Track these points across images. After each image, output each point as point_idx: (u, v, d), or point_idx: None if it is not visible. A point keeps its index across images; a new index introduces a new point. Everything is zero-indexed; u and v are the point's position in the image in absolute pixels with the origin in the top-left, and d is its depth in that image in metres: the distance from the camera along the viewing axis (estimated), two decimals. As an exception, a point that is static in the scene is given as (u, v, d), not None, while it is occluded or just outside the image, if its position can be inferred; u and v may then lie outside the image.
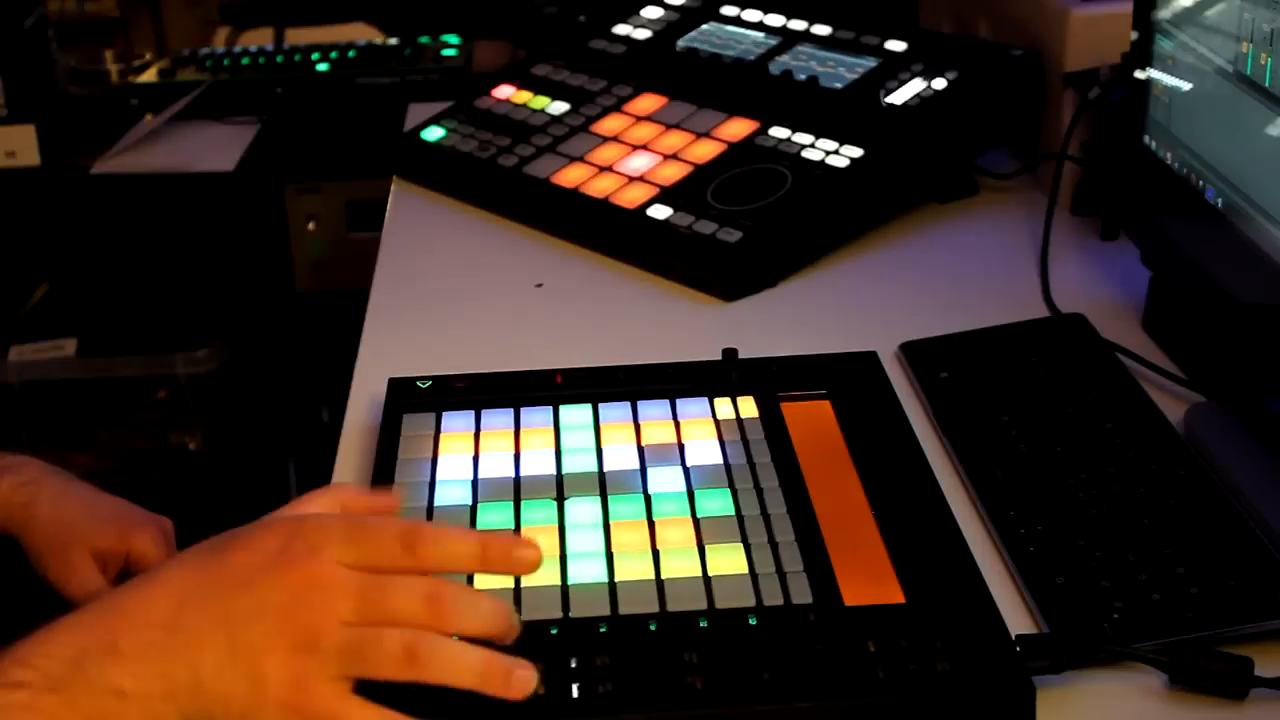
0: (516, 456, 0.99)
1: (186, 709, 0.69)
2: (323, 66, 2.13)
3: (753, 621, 0.81)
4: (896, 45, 1.50)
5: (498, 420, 1.03)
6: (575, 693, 0.77)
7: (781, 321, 1.26)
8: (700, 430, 1.01)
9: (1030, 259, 1.34)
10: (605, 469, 0.97)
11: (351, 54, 2.16)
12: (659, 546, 0.89)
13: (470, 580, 0.83)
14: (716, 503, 0.93)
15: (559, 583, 0.86)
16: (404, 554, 0.73)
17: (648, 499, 0.94)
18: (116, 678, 0.69)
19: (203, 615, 0.70)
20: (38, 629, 0.71)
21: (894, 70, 1.46)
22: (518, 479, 0.97)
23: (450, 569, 0.75)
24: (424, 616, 0.71)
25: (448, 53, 2.16)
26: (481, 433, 1.02)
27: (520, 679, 0.71)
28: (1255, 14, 0.96)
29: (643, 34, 1.67)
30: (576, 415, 1.03)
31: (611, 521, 0.91)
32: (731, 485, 0.95)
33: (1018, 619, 0.86)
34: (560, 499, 0.94)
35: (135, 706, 0.69)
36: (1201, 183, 1.07)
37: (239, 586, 0.71)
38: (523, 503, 0.94)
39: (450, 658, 0.70)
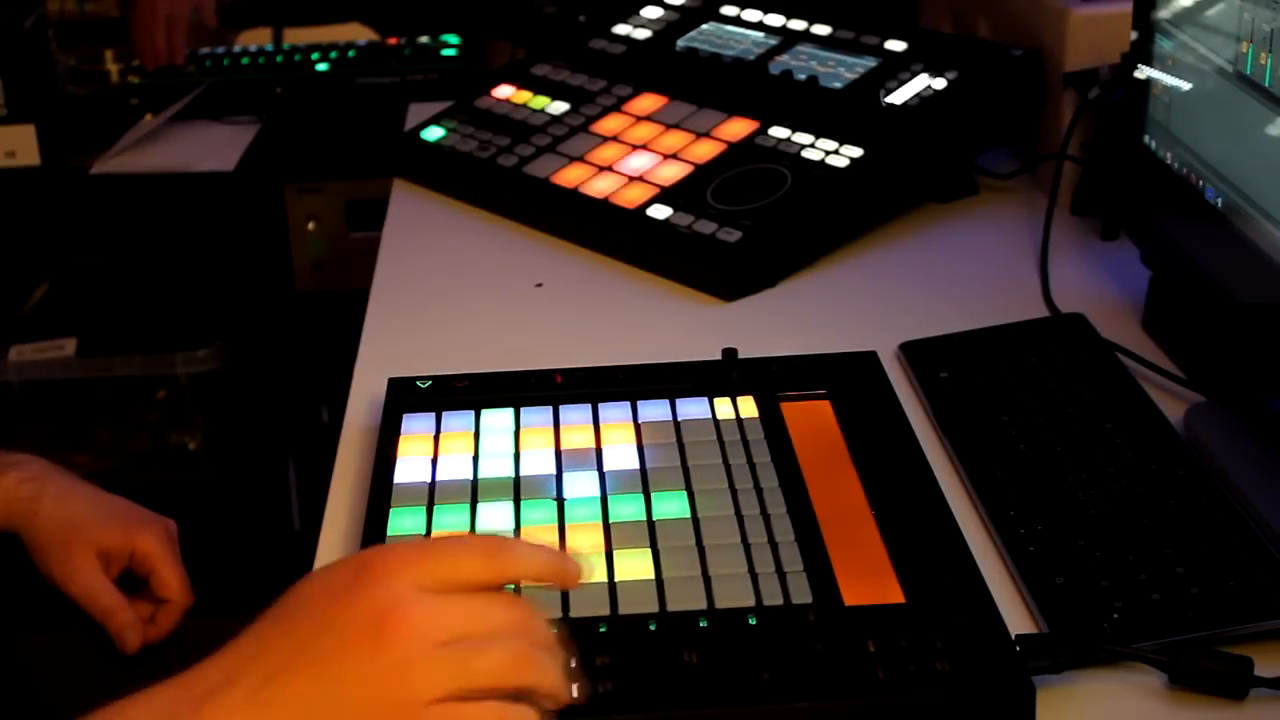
0: (516, 456, 0.99)
1: None
2: (322, 66, 2.13)
3: (753, 621, 0.81)
4: (896, 45, 1.50)
5: (497, 420, 1.03)
6: (575, 692, 0.76)
7: (781, 321, 1.26)
8: (700, 430, 1.01)
9: (1030, 259, 1.34)
10: (605, 469, 0.97)
11: (351, 54, 2.16)
12: (659, 546, 0.89)
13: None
14: (716, 502, 0.93)
15: (559, 582, 0.86)
16: (485, 563, 0.70)
17: (648, 498, 0.94)
18: None
19: (290, 679, 0.67)
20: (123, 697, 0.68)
21: (894, 70, 1.46)
22: (517, 479, 0.96)
23: (530, 577, 0.72)
24: (512, 678, 0.68)
25: (448, 53, 2.16)
26: (481, 433, 1.02)
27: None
28: (1255, 14, 0.96)
29: (643, 34, 1.67)
30: (576, 415, 1.03)
31: (611, 521, 0.91)
32: (731, 485, 0.95)
33: (1018, 619, 0.86)
34: (560, 499, 0.94)
35: None
36: (1201, 183, 1.07)
37: (321, 639, 0.68)
38: (523, 503, 0.94)
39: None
